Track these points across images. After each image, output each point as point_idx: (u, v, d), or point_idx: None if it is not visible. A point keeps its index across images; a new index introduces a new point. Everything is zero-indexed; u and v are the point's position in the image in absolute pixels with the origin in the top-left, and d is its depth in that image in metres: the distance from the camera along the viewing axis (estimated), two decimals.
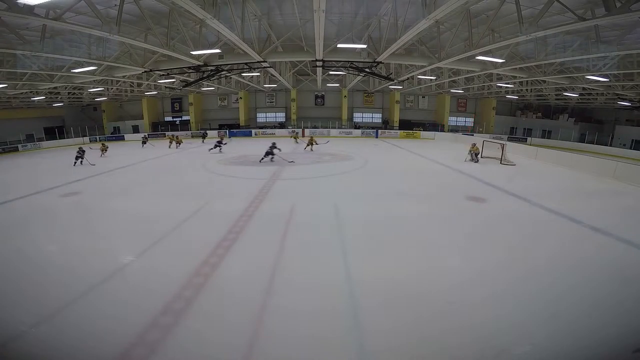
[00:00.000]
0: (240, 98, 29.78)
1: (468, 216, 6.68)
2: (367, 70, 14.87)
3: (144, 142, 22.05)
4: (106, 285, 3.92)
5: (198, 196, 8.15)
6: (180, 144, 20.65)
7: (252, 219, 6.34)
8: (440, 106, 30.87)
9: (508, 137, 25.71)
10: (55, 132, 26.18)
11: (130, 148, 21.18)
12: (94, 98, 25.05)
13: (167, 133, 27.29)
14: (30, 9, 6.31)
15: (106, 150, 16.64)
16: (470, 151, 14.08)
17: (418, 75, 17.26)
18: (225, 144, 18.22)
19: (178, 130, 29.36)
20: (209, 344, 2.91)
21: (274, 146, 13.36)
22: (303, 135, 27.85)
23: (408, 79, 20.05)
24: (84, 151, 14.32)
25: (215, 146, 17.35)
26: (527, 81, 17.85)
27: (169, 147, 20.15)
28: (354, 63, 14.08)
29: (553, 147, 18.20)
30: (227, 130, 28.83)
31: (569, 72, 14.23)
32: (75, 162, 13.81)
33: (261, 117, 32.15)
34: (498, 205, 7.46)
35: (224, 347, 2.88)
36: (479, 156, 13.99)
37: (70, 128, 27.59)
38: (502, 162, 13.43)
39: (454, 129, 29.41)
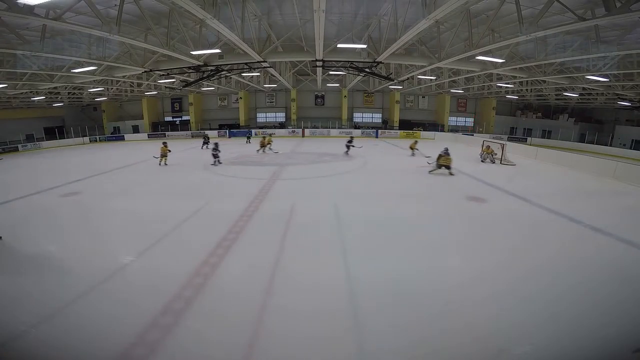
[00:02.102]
0: (240, 98, 29.80)
1: (468, 216, 6.68)
2: (367, 70, 14.87)
3: (205, 143, 19.21)
4: (106, 285, 3.92)
5: (198, 196, 8.15)
6: (270, 144, 17.37)
7: (252, 219, 6.34)
8: (440, 106, 30.87)
9: (508, 137, 25.73)
10: (55, 132, 26.20)
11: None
12: (94, 98, 25.06)
13: (262, 132, 25.07)
14: (30, 9, 6.31)
15: (166, 157, 13.34)
16: (483, 152, 14.26)
17: (418, 75, 17.26)
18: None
19: (178, 130, 29.40)
20: (209, 344, 2.91)
21: (444, 153, 10.99)
22: (303, 135, 27.90)
23: (408, 79, 20.06)
24: (218, 148, 13.19)
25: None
26: (527, 81, 17.85)
27: (262, 150, 16.63)
28: (354, 63, 14.08)
29: (553, 147, 18.20)
30: (228, 130, 28.84)
31: (569, 72, 14.23)
32: (215, 161, 13.03)
33: (261, 117, 32.16)
34: (498, 205, 7.45)
35: (224, 346, 2.88)
36: (495, 156, 14.09)
37: (70, 128, 27.60)
38: (502, 162, 13.44)
39: (454, 129, 29.43)
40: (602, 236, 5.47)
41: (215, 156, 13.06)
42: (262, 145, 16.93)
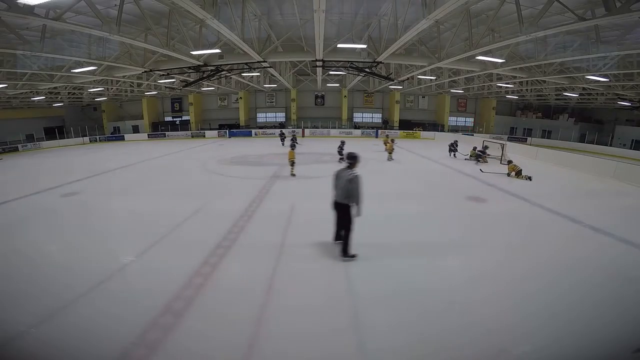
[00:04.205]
0: (240, 98, 29.80)
1: (468, 216, 6.68)
2: (367, 70, 14.87)
3: (282, 139, 18.70)
4: (106, 285, 3.92)
5: (198, 196, 8.15)
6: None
7: (252, 219, 6.34)
8: (440, 106, 30.88)
9: (508, 137, 25.75)
10: (55, 132, 26.21)
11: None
12: (94, 98, 25.06)
13: (386, 132, 22.61)
14: (30, 9, 6.30)
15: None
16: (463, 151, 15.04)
17: (418, 75, 17.25)
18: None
19: (178, 130, 29.39)
20: (210, 344, 2.91)
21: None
22: (303, 135, 27.87)
23: (408, 79, 20.06)
24: (343, 146, 12.60)
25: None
26: (527, 81, 17.85)
27: (390, 157, 14.32)
28: (354, 63, 14.07)
29: (553, 147, 18.20)
30: (228, 130, 28.84)
31: (569, 72, 14.24)
32: (340, 158, 12.55)
33: (261, 117, 32.17)
34: (498, 205, 7.45)
35: (224, 346, 2.88)
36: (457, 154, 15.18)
37: (70, 128, 27.62)
38: (502, 162, 13.44)
39: (454, 129, 29.43)
40: (602, 236, 5.47)
41: (341, 152, 12.85)
42: (390, 151, 14.38)
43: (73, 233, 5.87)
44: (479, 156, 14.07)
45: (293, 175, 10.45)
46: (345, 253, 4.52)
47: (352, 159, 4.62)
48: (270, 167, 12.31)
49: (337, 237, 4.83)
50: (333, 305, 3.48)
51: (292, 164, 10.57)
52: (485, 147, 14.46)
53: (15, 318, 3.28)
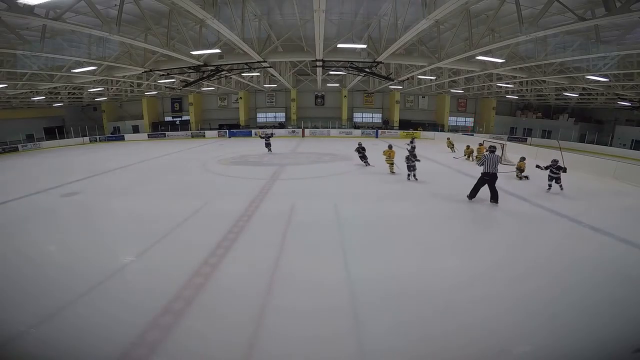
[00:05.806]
0: (240, 98, 29.80)
1: (468, 216, 6.68)
2: (367, 70, 14.88)
3: (268, 145, 16.37)
4: (106, 285, 3.91)
5: (198, 196, 8.15)
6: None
7: (252, 219, 6.34)
8: (440, 106, 30.88)
9: (508, 137, 25.72)
10: (55, 132, 26.20)
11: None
12: (94, 98, 25.06)
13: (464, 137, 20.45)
14: (30, 9, 6.31)
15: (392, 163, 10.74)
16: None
17: (418, 75, 17.27)
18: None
19: (178, 130, 29.39)
20: (210, 344, 2.91)
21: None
22: (303, 135, 27.87)
23: (408, 79, 20.07)
24: (414, 151, 11.12)
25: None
26: (527, 81, 17.86)
27: (467, 156, 14.30)
28: (354, 63, 14.09)
29: (553, 147, 18.18)
30: (228, 130, 28.84)
31: (569, 72, 14.24)
32: (410, 175, 10.38)
33: (261, 117, 32.17)
34: (498, 205, 7.44)
35: (224, 346, 2.88)
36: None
37: (70, 128, 27.60)
38: (502, 162, 13.42)
39: (454, 129, 29.44)
40: (602, 236, 5.47)
41: (410, 165, 10.26)
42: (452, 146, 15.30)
43: (73, 233, 5.87)
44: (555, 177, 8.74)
45: (393, 172, 10.74)
46: (497, 201, 7.13)
47: (495, 148, 7.61)
48: (270, 167, 12.31)
49: (472, 196, 7.41)
50: (333, 305, 3.47)
51: (391, 161, 10.82)
52: (557, 163, 8.55)
53: (15, 318, 3.28)
